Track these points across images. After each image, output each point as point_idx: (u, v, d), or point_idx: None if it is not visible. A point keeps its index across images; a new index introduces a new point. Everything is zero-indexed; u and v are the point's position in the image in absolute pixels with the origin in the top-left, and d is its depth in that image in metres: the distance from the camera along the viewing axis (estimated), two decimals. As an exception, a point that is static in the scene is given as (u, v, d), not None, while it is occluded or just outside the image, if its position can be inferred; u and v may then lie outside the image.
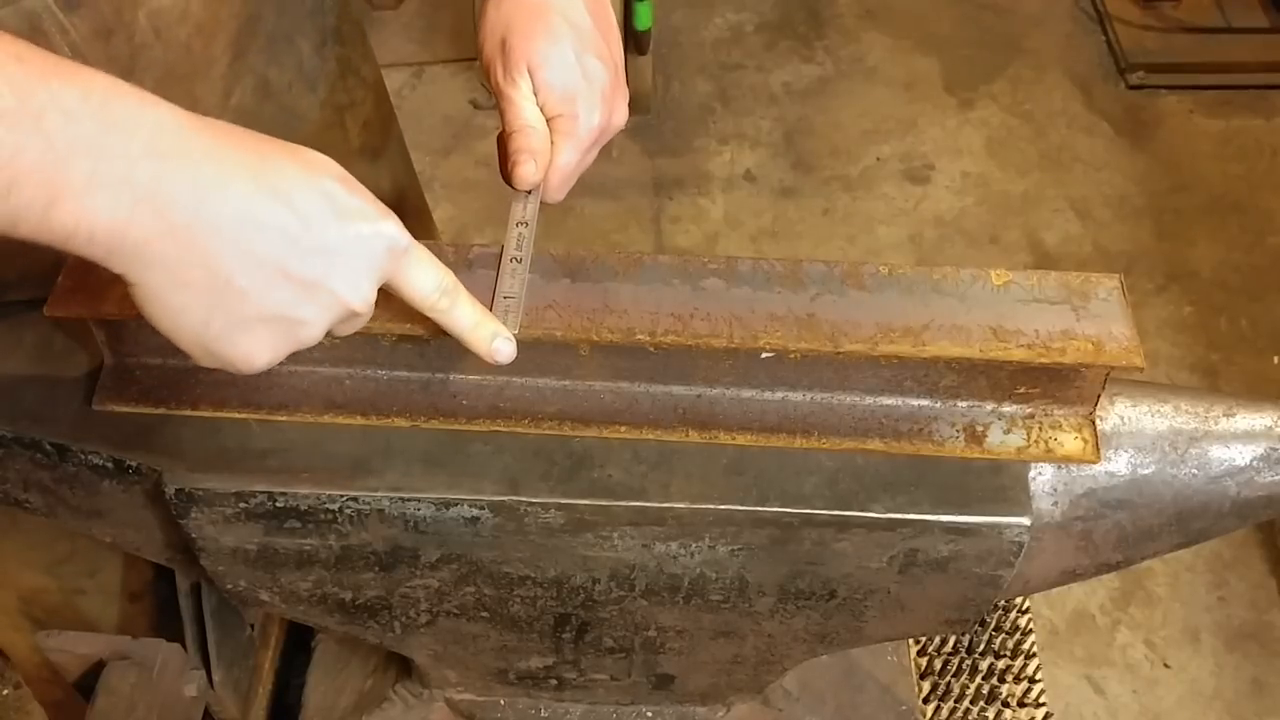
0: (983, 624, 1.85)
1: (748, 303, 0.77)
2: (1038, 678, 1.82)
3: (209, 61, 0.90)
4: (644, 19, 2.66)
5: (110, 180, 0.54)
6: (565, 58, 0.80)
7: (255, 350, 0.62)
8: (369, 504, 0.76)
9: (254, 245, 0.58)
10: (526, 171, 0.79)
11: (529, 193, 0.80)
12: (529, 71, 0.79)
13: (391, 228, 0.64)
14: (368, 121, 1.15)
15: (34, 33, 0.78)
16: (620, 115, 0.84)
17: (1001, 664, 1.82)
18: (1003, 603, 1.85)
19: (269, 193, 0.58)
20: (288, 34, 0.99)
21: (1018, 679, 1.82)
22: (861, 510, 0.76)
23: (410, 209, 1.27)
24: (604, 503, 0.76)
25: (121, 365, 0.80)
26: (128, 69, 0.84)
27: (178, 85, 0.89)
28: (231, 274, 0.58)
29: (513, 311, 0.74)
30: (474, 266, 0.78)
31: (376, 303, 0.68)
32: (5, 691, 2.00)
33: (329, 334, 0.68)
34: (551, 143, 0.80)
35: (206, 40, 0.89)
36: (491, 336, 0.71)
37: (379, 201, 0.65)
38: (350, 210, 0.62)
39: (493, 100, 0.82)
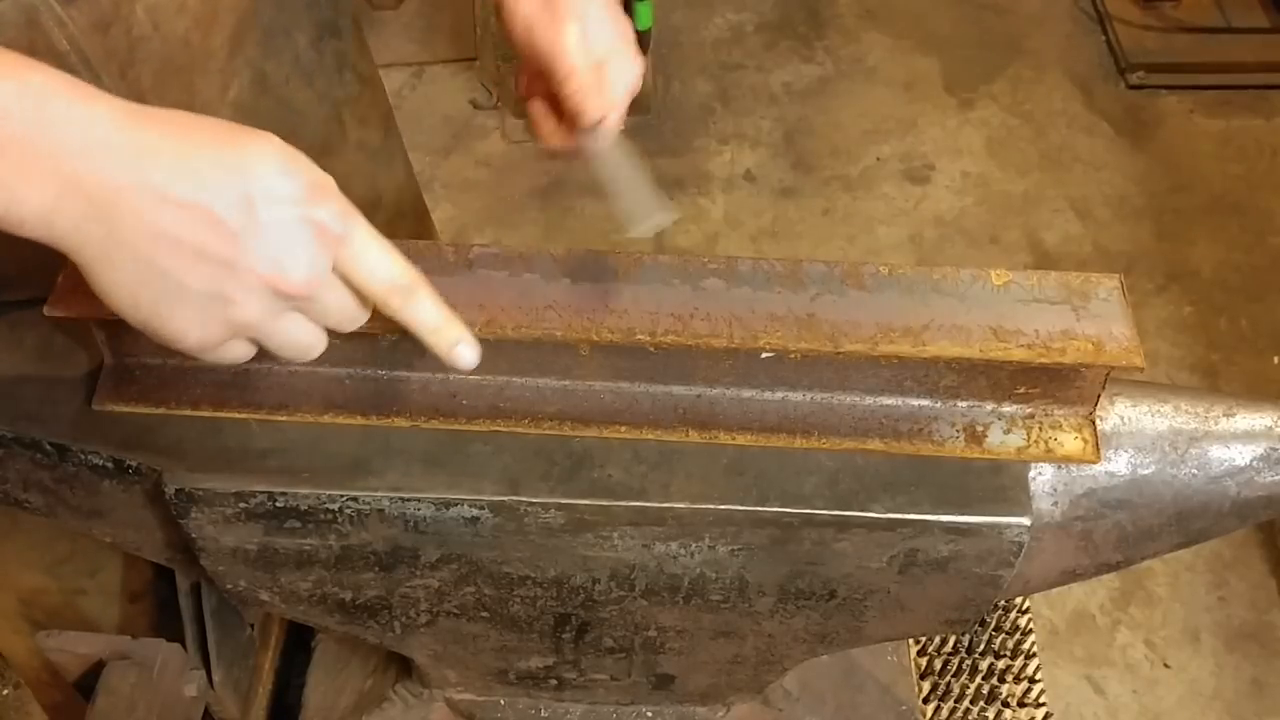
0: (983, 624, 1.85)
1: (748, 303, 0.77)
2: (1038, 678, 1.82)
3: (207, 54, 0.91)
4: (644, 19, 2.66)
5: (38, 173, 0.57)
6: (602, 14, 0.83)
7: (185, 328, 0.63)
8: (369, 504, 0.76)
9: (172, 229, 0.60)
10: (596, 107, 0.81)
11: (601, 130, 0.83)
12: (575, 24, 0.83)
13: (324, 214, 0.63)
14: (364, 116, 1.15)
15: (32, 26, 0.78)
16: (637, 77, 0.87)
17: (1001, 664, 1.83)
18: (1003, 603, 1.85)
19: (190, 180, 0.60)
20: (285, 28, 0.99)
21: (1018, 679, 1.82)
22: (861, 510, 0.76)
23: (408, 206, 1.27)
24: (604, 503, 0.76)
25: (121, 365, 0.80)
26: (126, 61, 0.84)
27: (176, 78, 0.89)
28: (152, 256, 0.60)
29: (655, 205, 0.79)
30: (474, 266, 0.78)
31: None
32: (5, 692, 2.00)
33: (331, 332, 0.68)
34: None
35: (204, 33, 0.89)
36: (454, 341, 0.70)
37: (324, 187, 0.64)
38: (279, 195, 0.62)
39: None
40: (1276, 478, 0.83)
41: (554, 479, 0.77)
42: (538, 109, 0.86)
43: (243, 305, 0.63)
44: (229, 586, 0.84)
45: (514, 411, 0.79)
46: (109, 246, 0.60)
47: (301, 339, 0.67)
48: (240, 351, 0.67)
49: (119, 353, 0.80)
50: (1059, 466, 0.80)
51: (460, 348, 0.70)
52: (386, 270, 0.67)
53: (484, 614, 0.87)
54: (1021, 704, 1.80)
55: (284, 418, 0.79)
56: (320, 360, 0.78)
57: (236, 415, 0.79)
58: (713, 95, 3.04)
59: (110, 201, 0.59)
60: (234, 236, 0.61)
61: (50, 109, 0.58)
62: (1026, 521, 0.76)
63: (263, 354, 0.78)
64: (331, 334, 0.74)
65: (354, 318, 0.68)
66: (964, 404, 0.79)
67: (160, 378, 0.79)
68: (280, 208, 0.62)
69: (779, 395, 0.79)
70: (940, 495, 0.76)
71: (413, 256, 0.77)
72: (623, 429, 0.78)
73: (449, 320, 0.70)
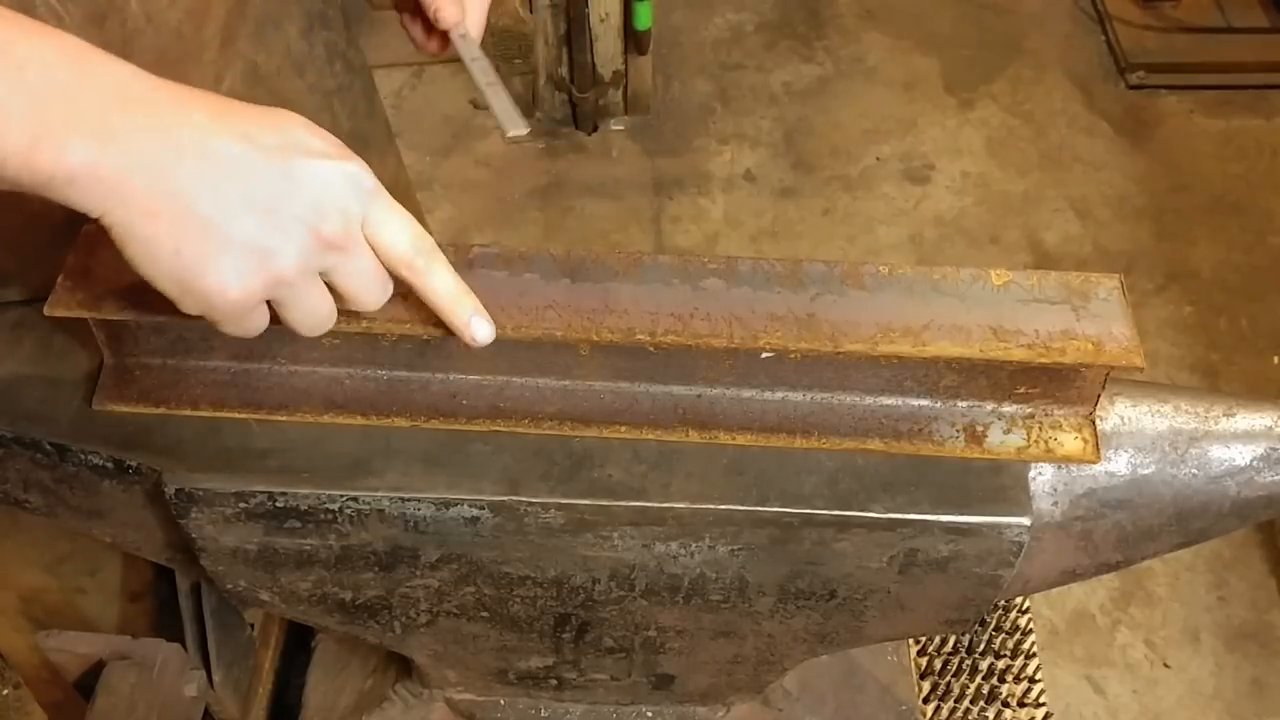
0: (983, 624, 1.85)
1: (748, 303, 0.76)
2: (1038, 678, 1.82)
3: (200, 46, 0.91)
4: (644, 19, 2.66)
5: (84, 125, 0.59)
6: None
7: (226, 281, 0.63)
8: (369, 504, 0.76)
9: (214, 175, 0.62)
10: (451, 14, 0.90)
11: (463, 35, 0.92)
12: None
13: (355, 168, 0.66)
14: (355, 107, 1.15)
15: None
16: None
17: (1001, 664, 1.83)
18: (1003, 603, 1.85)
19: (228, 129, 0.63)
20: (275, 19, 1.00)
21: (1018, 679, 1.82)
22: (861, 510, 0.76)
23: (399, 197, 1.27)
24: (604, 503, 0.76)
25: (121, 365, 0.80)
26: (121, 54, 0.84)
27: (169, 70, 0.89)
28: (195, 202, 0.62)
29: (516, 117, 0.85)
30: (474, 266, 0.78)
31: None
32: (5, 691, 2.00)
33: (340, 306, 0.69)
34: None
35: (197, 25, 0.90)
36: (470, 312, 0.72)
37: (346, 148, 0.67)
38: (311, 148, 0.65)
39: None
40: (1276, 478, 0.83)
41: (554, 479, 0.77)
42: (407, 19, 0.95)
43: (283, 255, 0.64)
44: (229, 586, 0.85)
45: (514, 411, 0.79)
46: (153, 197, 0.61)
47: (321, 308, 0.68)
48: (261, 321, 0.68)
49: (119, 353, 0.79)
50: (1059, 466, 0.80)
51: (475, 320, 0.72)
52: (408, 236, 0.69)
53: (484, 614, 0.87)
54: (1021, 704, 1.80)
55: (284, 418, 0.79)
56: (320, 360, 0.79)
57: (236, 415, 0.79)
58: (713, 95, 3.04)
59: (154, 151, 0.60)
60: (276, 183, 0.63)
61: (89, 65, 0.60)
62: (1026, 521, 0.76)
63: (262, 354, 0.79)
64: (334, 333, 0.74)
65: (378, 287, 0.69)
66: (964, 404, 0.79)
67: (160, 378, 0.79)
68: (316, 159, 0.65)
69: (779, 395, 0.79)
70: (940, 495, 0.76)
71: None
72: (623, 429, 0.78)
73: (465, 292, 0.72)
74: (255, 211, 0.63)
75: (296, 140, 0.65)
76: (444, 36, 0.93)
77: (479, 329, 0.72)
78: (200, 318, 0.66)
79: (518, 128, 0.84)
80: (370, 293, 0.69)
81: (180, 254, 0.62)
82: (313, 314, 0.68)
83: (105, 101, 0.60)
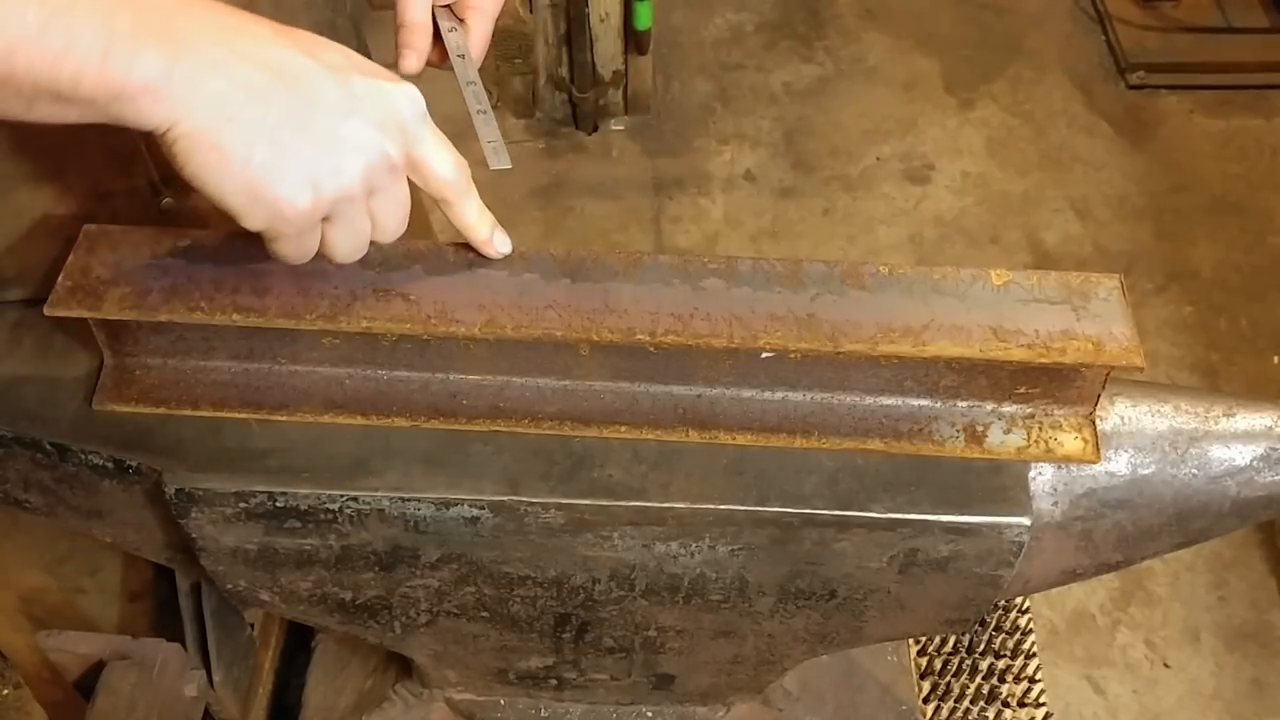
0: (983, 624, 1.85)
1: (748, 303, 0.77)
2: (1038, 678, 1.83)
3: None
4: (644, 19, 2.66)
5: (152, 28, 0.60)
6: None
7: (297, 192, 0.64)
8: (369, 504, 0.76)
9: (285, 84, 0.63)
10: (408, 63, 0.87)
11: (461, 56, 0.89)
12: None
13: (413, 90, 0.68)
14: None
15: None
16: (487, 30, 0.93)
17: (1001, 664, 1.83)
18: (1003, 603, 1.85)
19: (290, 43, 0.65)
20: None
21: (1018, 679, 1.83)
22: (861, 510, 0.76)
23: (410, 209, 1.27)
24: (604, 503, 0.76)
25: (121, 365, 0.80)
26: None
27: None
28: (269, 109, 0.63)
29: (501, 150, 0.83)
30: (474, 266, 0.78)
31: (373, 301, 0.68)
32: (5, 691, 2.00)
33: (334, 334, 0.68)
34: (464, 20, 0.88)
35: None
36: (492, 228, 0.77)
37: (395, 74, 0.69)
38: (367, 69, 0.67)
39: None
40: (1276, 478, 0.83)
41: (554, 479, 0.77)
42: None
43: (350, 171, 0.66)
44: (229, 586, 0.85)
45: (514, 411, 0.79)
46: (226, 102, 0.62)
47: (365, 231, 0.70)
48: (314, 243, 0.69)
49: (119, 353, 0.79)
50: (1059, 466, 0.80)
51: (498, 234, 0.77)
52: (453, 164, 0.73)
53: (484, 614, 0.87)
54: (1021, 704, 1.80)
55: (284, 418, 0.79)
56: (320, 360, 0.79)
57: (237, 415, 0.79)
58: (713, 95, 3.04)
59: (223, 58, 0.61)
60: (343, 98, 0.65)
61: None
62: (1026, 521, 0.76)
63: (262, 354, 0.79)
64: (334, 333, 0.74)
65: (403, 219, 0.72)
66: (964, 404, 0.79)
67: (160, 378, 0.79)
68: (375, 78, 0.67)
69: (779, 395, 0.79)
70: (940, 495, 0.76)
71: (413, 257, 0.78)
72: (623, 429, 0.78)
73: (487, 214, 0.77)
74: (326, 125, 0.64)
75: (354, 61, 0.67)
76: (441, 49, 0.90)
77: (501, 243, 0.77)
78: (259, 238, 0.67)
79: (502, 162, 0.84)
80: (397, 223, 0.72)
81: (252, 162, 0.63)
82: (356, 236, 0.70)
83: (170, 11, 0.61)
